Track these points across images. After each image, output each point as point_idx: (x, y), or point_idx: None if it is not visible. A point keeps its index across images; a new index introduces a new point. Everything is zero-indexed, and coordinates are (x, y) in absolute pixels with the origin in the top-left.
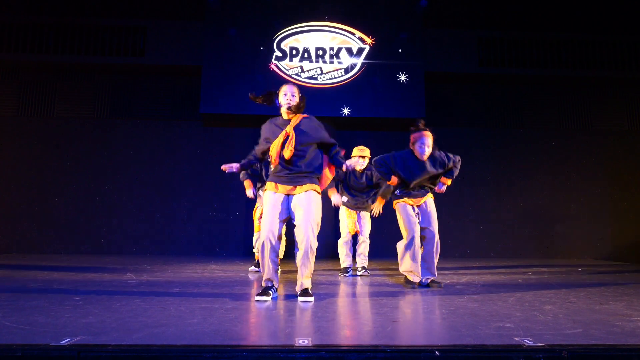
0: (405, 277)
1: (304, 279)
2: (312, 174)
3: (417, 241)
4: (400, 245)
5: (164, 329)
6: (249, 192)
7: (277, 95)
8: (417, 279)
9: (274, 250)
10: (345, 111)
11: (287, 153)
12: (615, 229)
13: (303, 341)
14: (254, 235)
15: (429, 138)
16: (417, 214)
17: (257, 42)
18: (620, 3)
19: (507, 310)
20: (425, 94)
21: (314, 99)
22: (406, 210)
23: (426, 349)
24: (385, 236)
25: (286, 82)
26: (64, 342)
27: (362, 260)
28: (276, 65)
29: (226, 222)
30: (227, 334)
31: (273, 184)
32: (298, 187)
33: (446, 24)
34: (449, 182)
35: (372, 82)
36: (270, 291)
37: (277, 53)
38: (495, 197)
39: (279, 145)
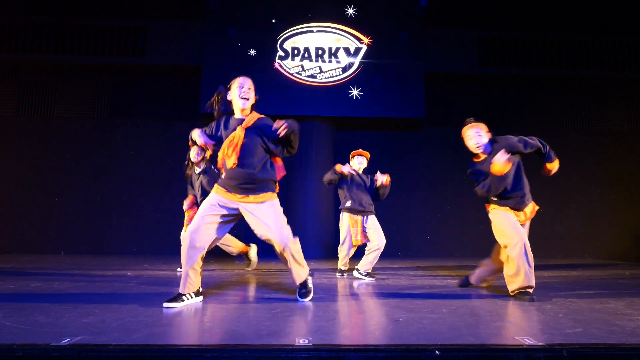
0: (520, 291)
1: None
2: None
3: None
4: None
5: (164, 328)
6: None
7: (227, 90)
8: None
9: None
10: (345, 109)
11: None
12: (615, 228)
13: (303, 341)
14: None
15: (476, 129)
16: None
17: (257, 42)
18: (620, 3)
19: (507, 309)
20: (425, 94)
21: (313, 97)
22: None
23: (427, 349)
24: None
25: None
26: (65, 341)
27: (367, 266)
28: (279, 65)
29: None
30: (228, 333)
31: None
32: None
33: (446, 24)
34: (551, 165)
35: (371, 82)
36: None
37: (280, 53)
38: None
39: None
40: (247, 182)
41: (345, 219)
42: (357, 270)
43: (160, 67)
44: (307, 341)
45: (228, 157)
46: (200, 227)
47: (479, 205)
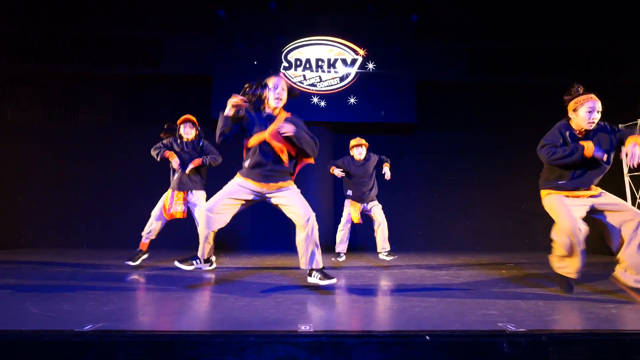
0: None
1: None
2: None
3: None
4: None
5: (178, 316)
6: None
7: (265, 86)
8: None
9: None
10: (343, 115)
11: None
12: (592, 223)
13: (305, 327)
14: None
15: (598, 102)
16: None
17: (263, 54)
18: (595, 15)
19: (491, 298)
20: (417, 100)
21: (313, 104)
22: (561, 201)
23: (417, 334)
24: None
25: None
26: (87, 328)
27: (384, 244)
28: (284, 74)
29: (234, 217)
30: (236, 320)
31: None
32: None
33: (437, 37)
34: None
35: (367, 89)
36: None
37: (285, 64)
38: (482, 195)
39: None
40: (275, 171)
41: (347, 205)
42: (380, 253)
43: (174, 77)
44: (308, 327)
45: (281, 151)
46: (218, 208)
47: (467, 202)
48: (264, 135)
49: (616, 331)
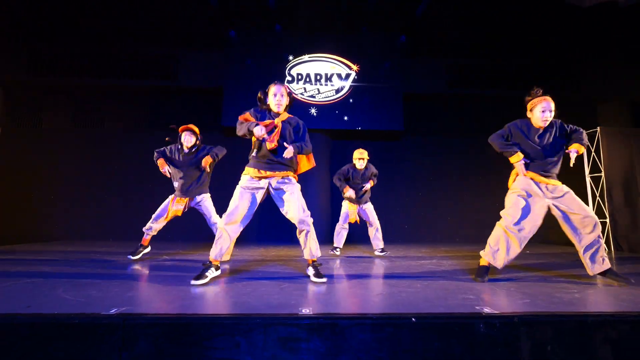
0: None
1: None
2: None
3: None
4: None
5: (192, 301)
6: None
7: (266, 95)
8: (498, 264)
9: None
10: (338, 123)
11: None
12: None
13: (306, 310)
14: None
15: (552, 103)
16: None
17: (269, 69)
18: (558, 34)
19: (470, 284)
20: (404, 110)
21: (312, 113)
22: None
23: (405, 316)
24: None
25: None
26: (112, 311)
27: (378, 244)
28: (287, 87)
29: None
30: (244, 305)
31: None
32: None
33: (421, 54)
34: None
35: (360, 101)
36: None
37: (288, 78)
38: (460, 193)
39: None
40: (280, 162)
41: (345, 206)
42: (376, 251)
43: (189, 89)
44: (308, 311)
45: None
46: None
47: (447, 200)
48: (277, 124)
49: (578, 313)
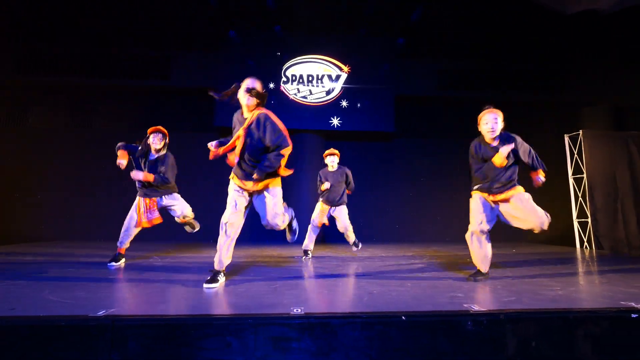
0: (477, 269)
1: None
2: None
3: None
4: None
5: (183, 301)
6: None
7: (239, 88)
8: (484, 269)
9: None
10: (334, 123)
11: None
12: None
13: (297, 310)
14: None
15: (496, 114)
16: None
17: (262, 70)
18: (543, 41)
19: (458, 283)
20: (394, 112)
21: (307, 114)
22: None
23: (395, 315)
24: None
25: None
26: (101, 313)
27: (352, 239)
28: (283, 88)
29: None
30: (236, 305)
31: None
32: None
33: (412, 57)
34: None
35: (353, 102)
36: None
37: (284, 78)
38: (450, 193)
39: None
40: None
41: (318, 206)
42: (353, 246)
43: (182, 89)
44: (300, 310)
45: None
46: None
47: (435, 200)
48: (240, 135)
49: (561, 309)
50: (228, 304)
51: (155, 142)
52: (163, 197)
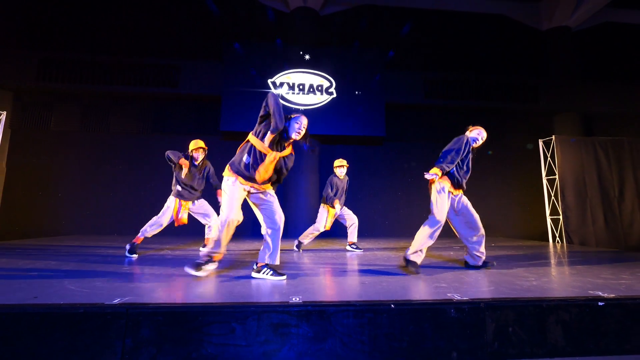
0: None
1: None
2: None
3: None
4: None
5: (191, 290)
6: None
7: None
8: (418, 259)
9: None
10: (328, 128)
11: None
12: (519, 216)
13: (295, 299)
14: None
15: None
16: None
17: (262, 79)
18: (519, 54)
19: (442, 274)
20: (385, 118)
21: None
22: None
23: (384, 303)
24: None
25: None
26: (116, 301)
27: (353, 239)
28: (283, 94)
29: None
30: (239, 294)
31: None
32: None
33: (400, 68)
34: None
35: (347, 109)
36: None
37: (284, 86)
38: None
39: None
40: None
41: (324, 211)
42: (349, 245)
43: (190, 96)
44: (298, 299)
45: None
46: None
47: (423, 199)
48: (277, 155)
49: (535, 298)
50: (232, 293)
51: (198, 157)
52: (195, 201)
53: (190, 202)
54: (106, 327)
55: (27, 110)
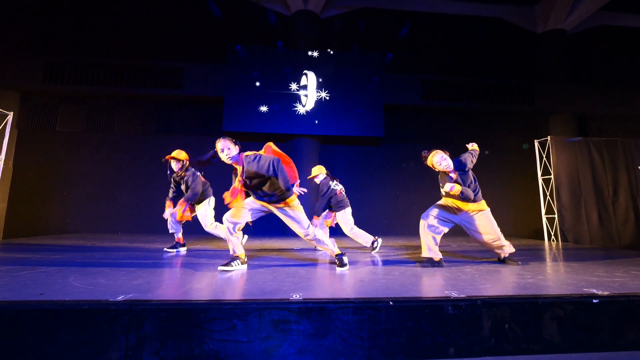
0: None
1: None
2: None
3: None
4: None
5: (194, 288)
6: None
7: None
8: (437, 256)
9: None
10: (328, 129)
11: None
12: (515, 215)
13: (296, 296)
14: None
15: (441, 155)
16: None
17: (265, 80)
18: (516, 58)
19: (440, 272)
20: (384, 119)
21: (304, 120)
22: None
23: (383, 300)
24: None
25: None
26: (119, 298)
27: (367, 242)
28: (283, 96)
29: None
30: (241, 291)
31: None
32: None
33: (399, 71)
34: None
35: (347, 110)
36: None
37: (285, 88)
38: (432, 192)
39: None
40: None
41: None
42: (373, 251)
43: (193, 97)
44: (298, 296)
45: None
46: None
47: (420, 198)
48: (237, 185)
49: (531, 296)
50: (234, 290)
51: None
52: (195, 205)
53: (194, 204)
54: (110, 323)
55: (33, 111)
